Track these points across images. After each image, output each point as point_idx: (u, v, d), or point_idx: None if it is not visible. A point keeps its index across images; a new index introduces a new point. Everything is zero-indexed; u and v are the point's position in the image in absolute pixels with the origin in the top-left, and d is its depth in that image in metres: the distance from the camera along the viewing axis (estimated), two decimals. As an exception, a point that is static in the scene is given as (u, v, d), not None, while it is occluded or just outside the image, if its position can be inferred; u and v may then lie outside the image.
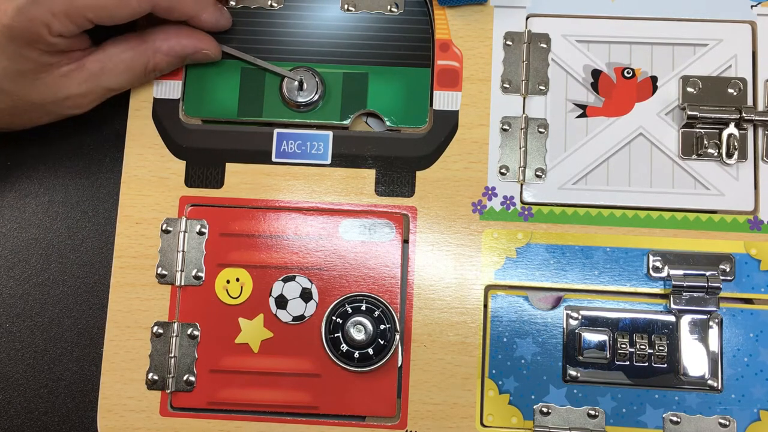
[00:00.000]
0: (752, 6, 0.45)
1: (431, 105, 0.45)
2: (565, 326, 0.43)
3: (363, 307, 0.42)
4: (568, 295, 0.43)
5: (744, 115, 0.43)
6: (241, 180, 0.44)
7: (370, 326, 0.42)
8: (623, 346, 0.42)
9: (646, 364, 0.42)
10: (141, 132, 0.45)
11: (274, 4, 0.46)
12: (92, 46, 0.43)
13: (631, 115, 0.44)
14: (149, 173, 0.44)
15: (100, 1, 0.39)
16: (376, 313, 0.42)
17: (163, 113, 0.45)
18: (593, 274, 0.43)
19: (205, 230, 0.44)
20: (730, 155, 0.43)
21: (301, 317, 0.43)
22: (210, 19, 0.44)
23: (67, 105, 0.42)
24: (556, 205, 0.44)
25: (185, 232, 0.44)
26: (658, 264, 0.43)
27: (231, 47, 0.45)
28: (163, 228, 0.44)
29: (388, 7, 0.46)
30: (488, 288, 0.43)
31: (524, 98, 0.45)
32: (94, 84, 0.42)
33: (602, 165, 0.44)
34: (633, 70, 0.45)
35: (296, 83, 0.44)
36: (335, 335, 0.42)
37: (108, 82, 0.43)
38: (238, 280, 0.43)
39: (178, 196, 0.44)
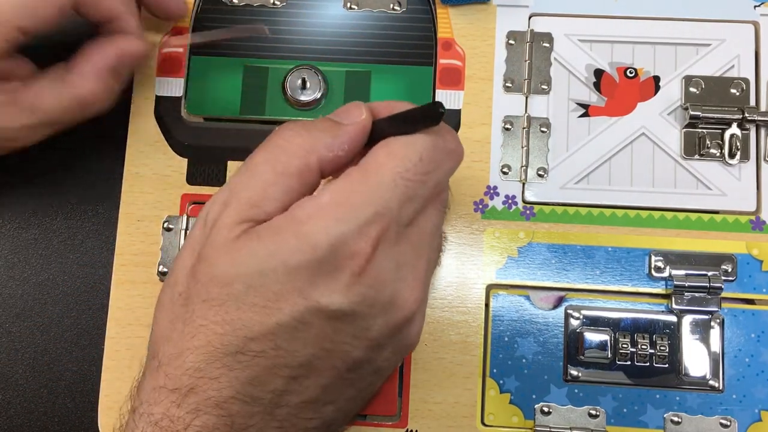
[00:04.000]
0: (755, 6, 0.45)
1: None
2: (566, 326, 0.43)
3: (364, 306, 0.42)
4: (570, 295, 0.43)
5: (747, 115, 0.43)
6: (242, 178, 0.44)
7: (371, 325, 0.42)
8: (624, 346, 0.42)
9: (648, 364, 0.42)
10: (143, 129, 0.45)
11: (277, 2, 0.46)
12: (36, 73, 0.39)
13: (634, 114, 0.44)
14: (151, 171, 0.44)
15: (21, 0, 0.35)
16: (378, 312, 0.42)
17: (165, 111, 0.45)
18: (595, 274, 0.43)
19: (207, 228, 0.43)
20: (732, 155, 0.43)
21: (303, 316, 0.43)
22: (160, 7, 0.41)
23: (5, 140, 0.38)
24: (558, 204, 0.44)
25: (187, 230, 0.43)
26: (659, 264, 0.43)
27: (200, 35, 0.44)
28: (165, 226, 0.44)
29: (391, 5, 0.45)
30: (490, 287, 0.43)
31: (526, 97, 0.45)
32: (32, 119, 0.38)
33: (604, 165, 0.44)
34: (636, 69, 0.45)
35: (299, 81, 0.44)
36: (337, 334, 0.42)
37: (46, 117, 0.38)
38: (239, 278, 0.43)
39: (179, 193, 0.44)
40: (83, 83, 0.38)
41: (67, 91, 0.38)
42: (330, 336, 0.30)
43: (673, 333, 0.42)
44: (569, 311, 0.43)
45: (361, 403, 0.35)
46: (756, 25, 0.45)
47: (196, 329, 0.30)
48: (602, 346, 0.42)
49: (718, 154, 0.43)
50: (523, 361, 0.42)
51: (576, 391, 0.42)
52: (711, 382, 0.42)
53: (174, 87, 0.45)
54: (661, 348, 0.42)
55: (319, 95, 0.44)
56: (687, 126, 0.44)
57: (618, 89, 0.45)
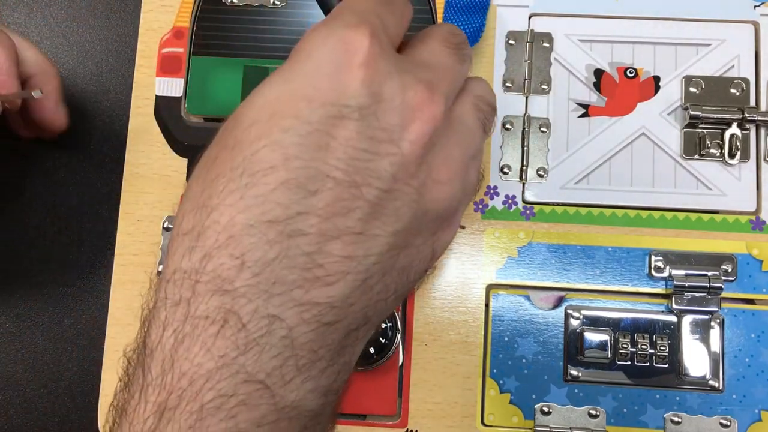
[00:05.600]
0: (755, 6, 0.45)
1: (433, 104, 0.45)
2: (566, 326, 0.42)
3: (364, 306, 0.42)
4: (570, 295, 0.43)
5: (747, 115, 0.43)
6: (242, 178, 0.44)
7: (371, 325, 0.42)
8: (624, 346, 0.42)
9: (648, 364, 0.42)
10: (143, 129, 0.45)
11: (277, 3, 0.46)
12: None
13: (634, 114, 0.44)
14: (151, 171, 0.44)
15: None
16: (378, 312, 0.42)
17: (165, 111, 0.45)
18: (595, 274, 0.43)
19: (207, 228, 0.43)
20: (732, 155, 0.43)
21: (303, 316, 0.43)
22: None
23: None
24: (558, 204, 0.44)
25: (186, 230, 0.43)
26: (659, 264, 0.42)
27: None
28: (165, 226, 0.44)
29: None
30: (490, 287, 0.43)
31: (526, 97, 0.45)
32: None
33: (604, 165, 0.44)
34: (636, 69, 0.45)
35: None
36: (337, 334, 0.42)
37: None
38: (239, 278, 0.43)
39: (179, 193, 0.44)
40: None
41: None
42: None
43: (673, 333, 0.42)
44: (569, 311, 0.43)
45: (391, 298, 0.30)
46: (756, 25, 0.45)
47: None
48: (602, 346, 0.42)
49: (718, 154, 0.43)
50: (523, 361, 0.42)
51: (576, 391, 0.42)
52: (711, 382, 0.41)
53: (174, 87, 0.45)
54: (661, 348, 0.42)
55: (319, 95, 0.44)
56: (687, 126, 0.44)
57: (618, 89, 0.45)
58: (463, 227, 0.43)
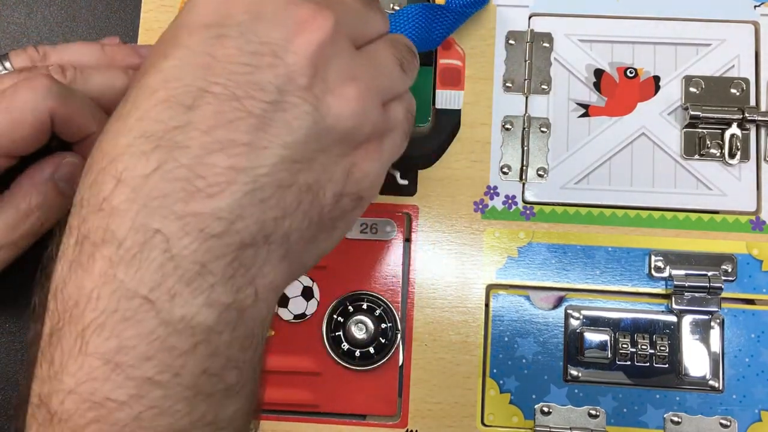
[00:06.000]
0: (755, 6, 0.45)
1: (433, 104, 0.45)
2: (566, 326, 0.42)
3: (364, 306, 0.42)
4: (570, 295, 0.43)
5: (747, 115, 0.43)
6: (242, 178, 0.44)
7: (371, 325, 0.42)
8: (624, 346, 0.42)
9: (648, 364, 0.42)
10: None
11: (276, 2, 0.46)
12: None
13: (634, 114, 0.44)
14: (150, 171, 0.44)
15: None
16: (378, 311, 0.42)
17: (165, 111, 0.45)
18: (595, 274, 0.43)
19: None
20: (732, 155, 0.43)
21: (302, 315, 0.43)
22: None
23: None
24: (558, 204, 0.44)
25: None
26: (659, 264, 0.42)
27: None
28: (164, 226, 0.44)
29: (391, 5, 0.45)
30: (490, 287, 0.43)
31: (526, 97, 0.45)
32: None
33: (604, 165, 0.44)
34: (636, 69, 0.45)
35: None
36: (336, 334, 0.42)
37: None
38: (239, 278, 0.43)
39: (179, 194, 0.44)
40: (20, 196, 0.38)
41: (5, 205, 0.38)
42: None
43: (673, 333, 0.42)
44: (569, 311, 0.43)
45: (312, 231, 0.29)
46: (756, 25, 0.45)
47: None
48: (602, 346, 0.42)
49: (718, 154, 0.43)
50: (523, 361, 0.42)
51: (576, 391, 0.42)
52: (711, 382, 0.41)
53: (174, 87, 0.45)
54: (661, 348, 0.42)
55: (319, 95, 0.44)
56: (687, 126, 0.44)
57: (618, 89, 0.45)
58: (396, 175, 0.43)
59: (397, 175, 0.44)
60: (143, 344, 0.25)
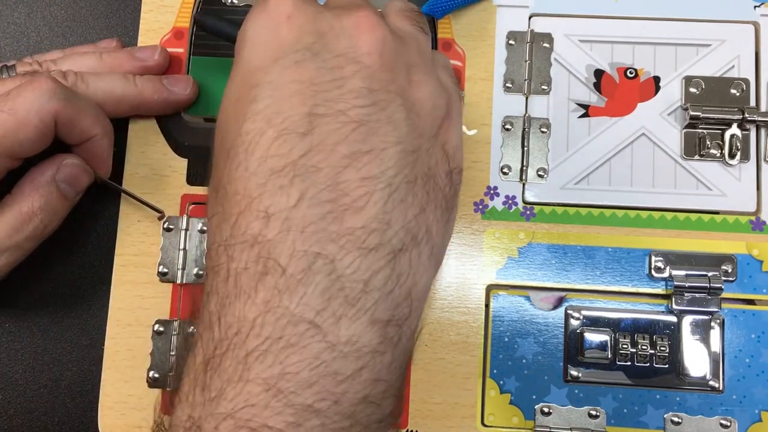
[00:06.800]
0: (755, 6, 0.45)
1: (433, 104, 0.45)
2: (566, 326, 0.42)
3: (364, 307, 0.42)
4: (570, 295, 0.43)
5: (747, 115, 0.43)
6: (242, 178, 0.44)
7: (371, 326, 0.42)
8: (624, 346, 0.42)
9: (648, 364, 0.42)
10: (143, 130, 0.45)
11: (277, 2, 0.46)
12: None
13: (634, 115, 0.44)
14: (151, 171, 0.44)
15: None
16: (378, 312, 0.42)
17: (165, 111, 0.45)
18: (595, 274, 0.43)
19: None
20: (732, 156, 0.43)
21: (303, 316, 0.43)
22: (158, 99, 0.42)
23: None
24: (558, 205, 0.44)
25: (187, 230, 0.43)
26: (659, 264, 0.42)
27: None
28: (165, 226, 0.44)
29: None
30: (490, 287, 0.43)
31: (527, 98, 0.45)
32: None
33: (604, 165, 0.44)
34: (636, 70, 0.45)
35: None
36: (337, 334, 0.42)
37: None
38: (239, 278, 0.43)
39: (180, 194, 0.44)
40: (22, 199, 0.38)
41: (7, 208, 0.38)
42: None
43: (673, 333, 0.42)
44: (569, 311, 0.43)
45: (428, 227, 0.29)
46: (756, 25, 0.45)
47: None
48: (602, 346, 0.42)
49: (718, 155, 0.43)
50: (523, 361, 0.42)
51: (576, 391, 0.42)
52: (711, 383, 0.41)
53: (174, 87, 0.45)
54: (661, 348, 0.42)
55: (319, 95, 0.44)
56: (687, 126, 0.44)
57: (618, 89, 0.45)
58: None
59: None
60: (306, 370, 0.25)
